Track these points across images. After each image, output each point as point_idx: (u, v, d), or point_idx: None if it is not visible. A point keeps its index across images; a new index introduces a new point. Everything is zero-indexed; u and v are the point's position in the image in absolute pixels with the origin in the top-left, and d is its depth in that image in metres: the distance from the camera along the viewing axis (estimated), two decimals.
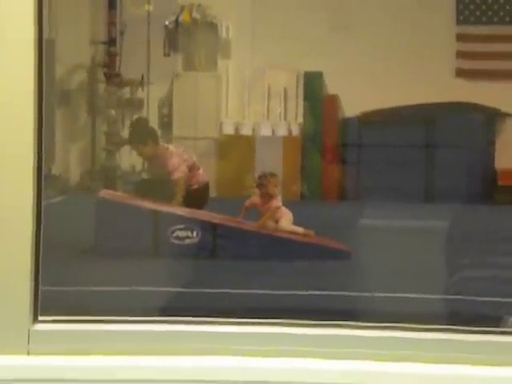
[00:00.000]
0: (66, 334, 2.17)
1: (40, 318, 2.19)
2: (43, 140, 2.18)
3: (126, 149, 8.71)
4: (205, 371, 2.16)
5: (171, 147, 6.91)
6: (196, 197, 6.68)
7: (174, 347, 2.18)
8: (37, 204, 2.17)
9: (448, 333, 2.22)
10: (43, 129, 2.18)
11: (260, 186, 6.61)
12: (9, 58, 2.14)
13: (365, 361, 2.16)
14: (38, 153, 2.17)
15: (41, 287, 2.19)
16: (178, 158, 6.66)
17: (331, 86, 9.16)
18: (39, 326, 2.17)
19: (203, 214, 6.53)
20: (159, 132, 8.28)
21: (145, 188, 6.83)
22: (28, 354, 2.14)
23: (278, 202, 6.61)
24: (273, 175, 6.81)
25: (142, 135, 6.88)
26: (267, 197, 6.57)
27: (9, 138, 2.14)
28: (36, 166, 2.16)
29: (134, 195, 6.72)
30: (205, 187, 6.78)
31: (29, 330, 2.15)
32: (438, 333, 2.23)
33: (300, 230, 6.48)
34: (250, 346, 2.18)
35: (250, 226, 6.50)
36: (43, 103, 2.18)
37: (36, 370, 2.12)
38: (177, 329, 2.22)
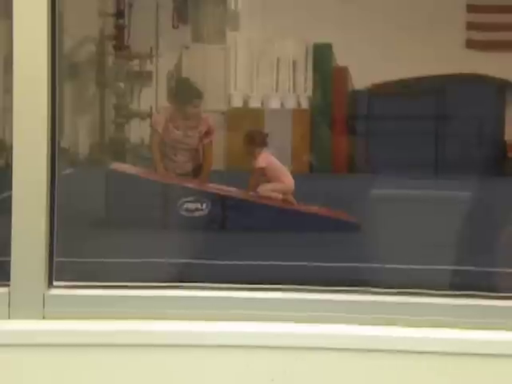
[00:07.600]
0: (79, 298, 2.20)
1: (55, 284, 2.22)
2: (56, 113, 2.20)
3: (135, 121, 8.71)
4: (216, 336, 2.17)
5: None
6: None
7: (186, 312, 2.19)
8: (51, 176, 2.20)
9: (462, 298, 2.25)
10: (57, 102, 2.20)
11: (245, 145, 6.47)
12: (23, 32, 2.15)
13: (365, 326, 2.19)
14: (52, 126, 2.19)
15: (55, 258, 2.22)
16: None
17: (341, 58, 9.13)
18: (54, 291, 2.20)
19: (213, 187, 6.54)
20: (167, 104, 8.27)
21: None
22: (43, 318, 2.18)
23: (260, 162, 6.41)
24: (256, 132, 6.69)
25: (189, 94, 6.87)
26: (253, 158, 6.46)
27: (24, 110, 2.15)
28: (50, 139, 2.18)
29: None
30: None
31: (44, 294, 2.18)
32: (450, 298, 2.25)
33: (279, 197, 6.44)
34: (260, 311, 2.20)
35: (259, 197, 6.50)
36: (56, 76, 2.19)
37: (51, 333, 2.16)
38: (189, 294, 2.23)
